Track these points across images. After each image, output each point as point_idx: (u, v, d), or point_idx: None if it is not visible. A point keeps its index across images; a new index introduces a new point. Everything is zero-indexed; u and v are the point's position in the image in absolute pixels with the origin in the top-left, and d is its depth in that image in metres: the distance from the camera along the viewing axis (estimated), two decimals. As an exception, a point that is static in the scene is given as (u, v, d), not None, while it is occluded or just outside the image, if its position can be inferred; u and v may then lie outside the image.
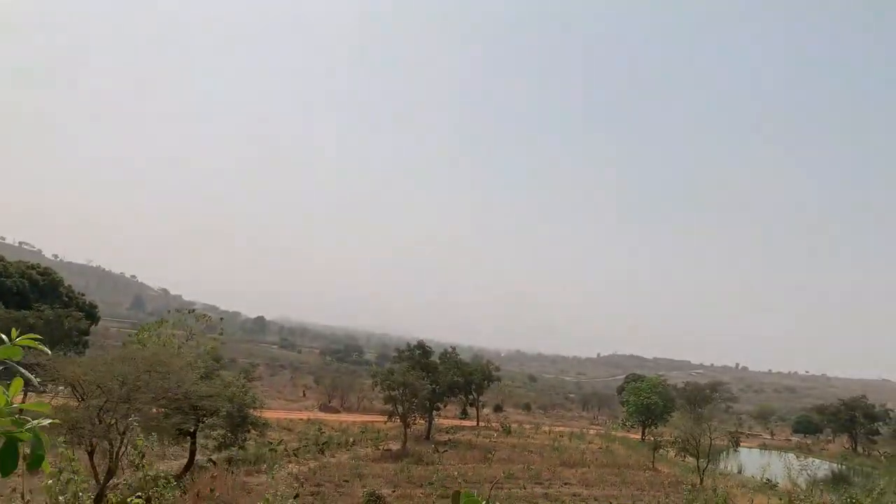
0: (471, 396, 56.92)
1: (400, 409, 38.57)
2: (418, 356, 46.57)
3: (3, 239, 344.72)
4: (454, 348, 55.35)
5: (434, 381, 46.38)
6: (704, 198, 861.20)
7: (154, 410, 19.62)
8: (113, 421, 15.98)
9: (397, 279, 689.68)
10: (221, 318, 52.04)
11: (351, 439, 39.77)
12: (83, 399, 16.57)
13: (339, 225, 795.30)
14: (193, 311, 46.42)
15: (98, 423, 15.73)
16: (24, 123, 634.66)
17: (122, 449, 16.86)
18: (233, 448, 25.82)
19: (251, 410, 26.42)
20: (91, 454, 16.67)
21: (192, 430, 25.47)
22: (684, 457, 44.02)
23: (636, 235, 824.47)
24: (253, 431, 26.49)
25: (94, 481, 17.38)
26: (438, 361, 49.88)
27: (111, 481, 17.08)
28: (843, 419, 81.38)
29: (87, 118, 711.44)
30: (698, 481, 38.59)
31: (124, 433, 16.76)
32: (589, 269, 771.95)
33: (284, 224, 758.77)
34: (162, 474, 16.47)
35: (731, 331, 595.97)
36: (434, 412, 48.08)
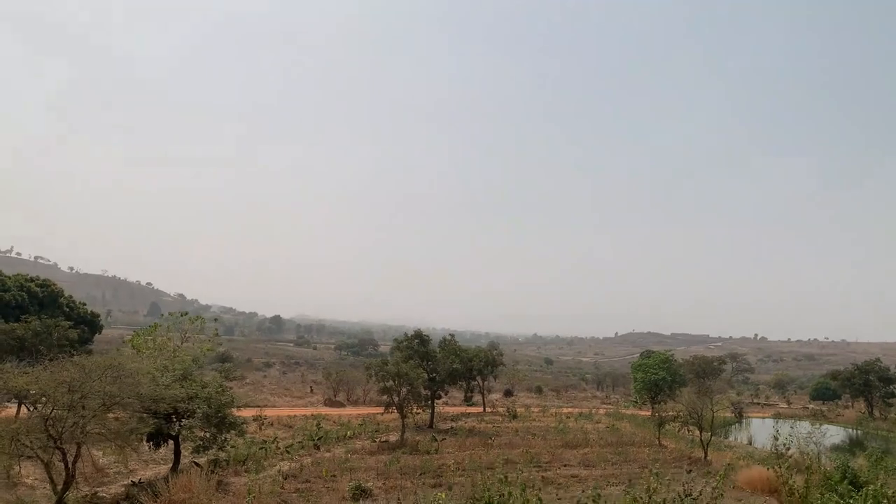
0: (474, 382, 56.32)
1: (396, 399, 38.01)
2: (416, 345, 46.00)
3: (19, 254, 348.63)
4: (453, 335, 54.67)
5: (433, 369, 45.85)
6: (715, 175, 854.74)
7: (114, 416, 19.15)
8: (62, 430, 15.43)
9: (414, 274, 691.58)
10: (215, 319, 51.62)
11: (349, 433, 39.30)
12: (33, 409, 16.05)
13: (354, 223, 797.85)
14: (186, 313, 46.09)
15: (46, 432, 15.18)
16: (32, 136, 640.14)
17: (78, 459, 16.40)
18: (211, 449, 25.31)
19: (232, 411, 25.86)
20: (48, 465, 16.14)
21: (174, 434, 25.08)
22: (689, 431, 43.22)
23: (650, 216, 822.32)
24: (232, 432, 25.85)
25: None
26: (438, 349, 49.27)
27: (69, 492, 16.55)
28: (858, 384, 79.90)
29: (93, 127, 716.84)
30: (703, 455, 37.87)
31: (80, 443, 16.29)
32: (604, 249, 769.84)
33: (299, 223, 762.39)
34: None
35: (750, 302, 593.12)
36: (436, 400, 47.59)
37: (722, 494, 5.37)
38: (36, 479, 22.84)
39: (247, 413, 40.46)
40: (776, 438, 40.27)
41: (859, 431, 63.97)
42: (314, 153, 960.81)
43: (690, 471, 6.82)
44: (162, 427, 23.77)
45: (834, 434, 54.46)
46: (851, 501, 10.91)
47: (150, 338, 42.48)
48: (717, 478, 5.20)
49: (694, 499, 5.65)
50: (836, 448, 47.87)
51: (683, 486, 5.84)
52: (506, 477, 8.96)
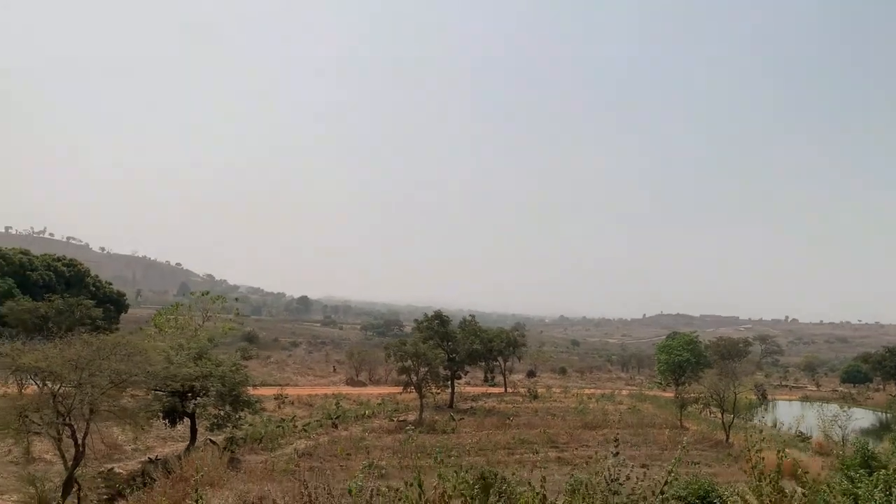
0: (495, 363, 56.20)
1: (414, 378, 38.07)
2: (436, 326, 45.95)
3: (52, 235, 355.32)
4: (473, 316, 54.51)
5: (452, 349, 45.81)
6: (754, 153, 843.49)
7: (130, 394, 19.36)
8: (70, 407, 15.59)
9: (441, 256, 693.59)
10: (237, 299, 52.27)
11: (367, 412, 39.45)
12: (42, 386, 16.25)
13: (379, 205, 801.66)
14: (208, 292, 46.66)
15: (55, 409, 15.35)
16: (67, 122, 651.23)
17: (87, 435, 16.56)
18: (227, 427, 25.53)
19: (247, 389, 26.03)
20: (58, 441, 16.35)
21: (189, 412, 25.31)
22: (711, 412, 42.81)
23: (685, 200, 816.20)
24: (247, 410, 26.02)
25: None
26: (458, 330, 49.20)
27: (78, 469, 16.73)
28: (889, 366, 78.32)
29: (125, 116, 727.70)
30: (724, 437, 37.49)
31: (89, 419, 16.44)
32: (633, 230, 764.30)
33: (326, 206, 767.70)
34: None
35: (782, 285, 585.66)
36: (457, 380, 47.56)
37: (677, 478, 5.04)
38: (54, 454, 23.20)
39: (267, 392, 40.87)
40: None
41: (889, 415, 62.77)
42: (337, 137, 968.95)
43: (617, 453, 6.30)
44: (176, 405, 24.01)
45: (862, 417, 53.49)
46: (861, 486, 10.53)
47: (171, 317, 43.10)
48: (673, 461, 4.86)
49: (620, 484, 5.32)
50: (864, 432, 47.08)
51: (608, 470, 5.43)
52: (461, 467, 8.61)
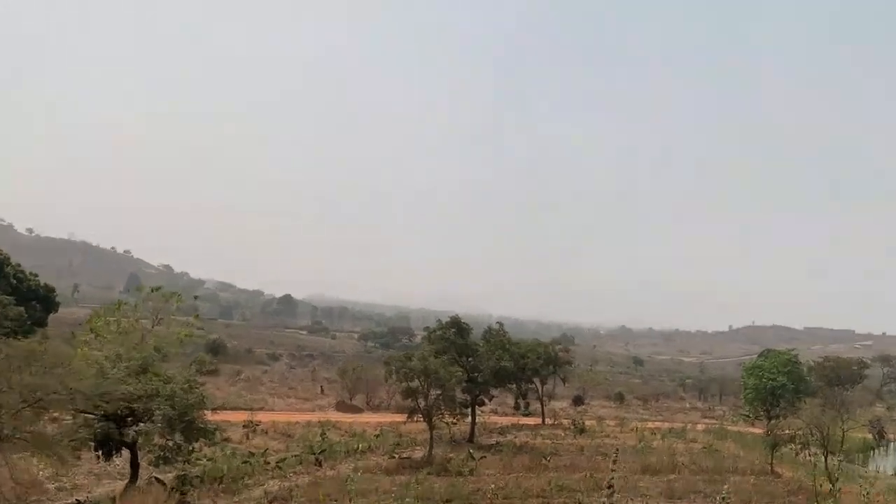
0: (529, 386, 56.07)
1: (422, 403, 38.02)
2: (452, 336, 45.81)
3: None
4: (501, 324, 54.34)
5: (473, 367, 45.72)
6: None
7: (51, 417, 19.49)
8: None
9: (465, 251, 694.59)
10: (196, 297, 52.54)
11: (361, 446, 39.62)
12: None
13: (395, 194, 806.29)
14: (159, 288, 46.85)
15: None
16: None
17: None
18: (177, 463, 25.65)
19: (203, 413, 26.15)
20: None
21: (129, 442, 25.46)
22: (811, 454, 42.44)
23: (789, 188, 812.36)
24: (202, 440, 26.18)
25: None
26: (481, 342, 49.09)
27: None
28: None
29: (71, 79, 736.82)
30: (828, 487, 37.08)
31: (-6, 448, 16.59)
32: (721, 224, 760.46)
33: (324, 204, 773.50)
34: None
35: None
36: (479, 407, 47.53)
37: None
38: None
39: (235, 417, 41.13)
40: None
41: None
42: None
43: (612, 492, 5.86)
44: (112, 432, 24.14)
45: None
46: None
47: (112, 319, 43.30)
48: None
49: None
50: None
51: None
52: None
